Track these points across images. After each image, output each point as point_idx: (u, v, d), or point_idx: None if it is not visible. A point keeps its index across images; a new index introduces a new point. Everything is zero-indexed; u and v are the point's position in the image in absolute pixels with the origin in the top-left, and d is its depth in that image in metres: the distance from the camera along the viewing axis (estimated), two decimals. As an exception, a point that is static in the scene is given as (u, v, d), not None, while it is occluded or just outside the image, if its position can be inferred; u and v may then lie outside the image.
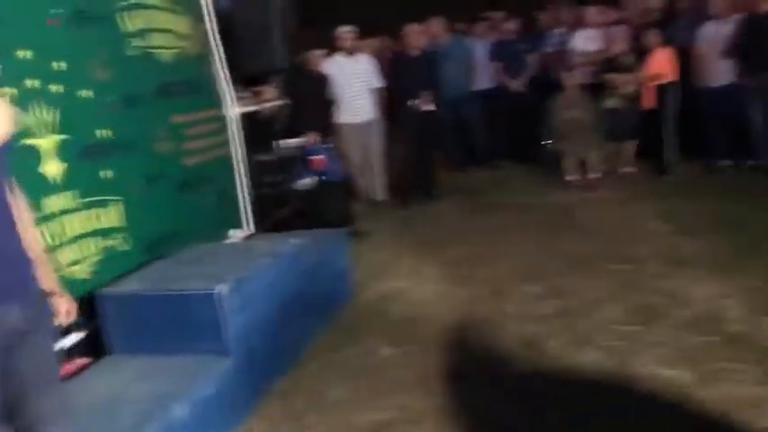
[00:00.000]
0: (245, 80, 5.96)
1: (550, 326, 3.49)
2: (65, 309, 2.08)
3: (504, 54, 7.72)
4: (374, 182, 6.72)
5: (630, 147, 6.68)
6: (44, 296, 1.98)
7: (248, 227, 5.33)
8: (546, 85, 7.06)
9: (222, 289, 2.93)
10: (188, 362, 2.93)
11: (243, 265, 3.26)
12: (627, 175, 6.62)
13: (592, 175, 6.47)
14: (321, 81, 6.35)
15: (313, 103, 6.33)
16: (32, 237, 2.03)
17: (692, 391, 2.75)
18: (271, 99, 5.90)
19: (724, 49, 6.07)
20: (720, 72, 6.18)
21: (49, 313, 1.99)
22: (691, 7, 6.74)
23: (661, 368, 2.94)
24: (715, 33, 6.18)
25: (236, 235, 5.04)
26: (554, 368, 3.08)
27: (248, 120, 6.12)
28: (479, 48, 7.85)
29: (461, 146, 7.87)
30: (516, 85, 7.64)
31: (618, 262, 4.28)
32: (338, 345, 3.63)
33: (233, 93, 5.18)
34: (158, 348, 3.02)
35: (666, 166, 6.44)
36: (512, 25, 7.82)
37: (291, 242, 3.67)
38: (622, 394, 2.81)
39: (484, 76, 7.83)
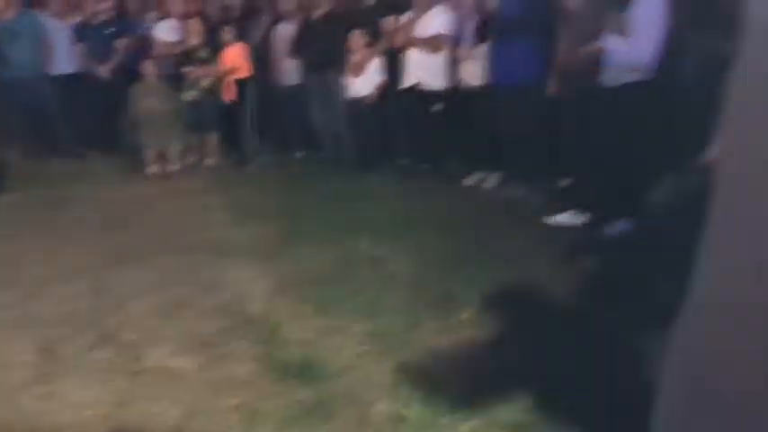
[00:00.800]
0: None
1: (74, 326, 3.34)
2: None
3: (89, 37, 7.26)
4: None
5: (212, 139, 6.82)
6: None
7: None
8: (133, 73, 6.82)
9: None
10: None
11: None
12: (209, 167, 6.75)
13: (171, 167, 6.45)
14: None
15: None
16: None
17: (198, 376, 2.86)
18: None
19: (288, 48, 6.55)
20: (290, 69, 6.65)
21: None
22: (267, 7, 7.11)
23: (170, 359, 3.00)
24: (283, 33, 6.63)
25: None
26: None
27: None
28: (56, 27, 7.25)
29: (37, 133, 7.18)
30: (103, 71, 7.24)
31: (169, 254, 4.31)
32: None
33: None
34: None
35: (245, 159, 6.73)
36: (96, 6, 7.37)
37: None
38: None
39: (64, 59, 7.25)
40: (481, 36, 5.48)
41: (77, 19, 7.42)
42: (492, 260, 3.93)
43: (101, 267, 4.13)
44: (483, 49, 5.45)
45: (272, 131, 6.96)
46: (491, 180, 5.71)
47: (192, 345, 3.13)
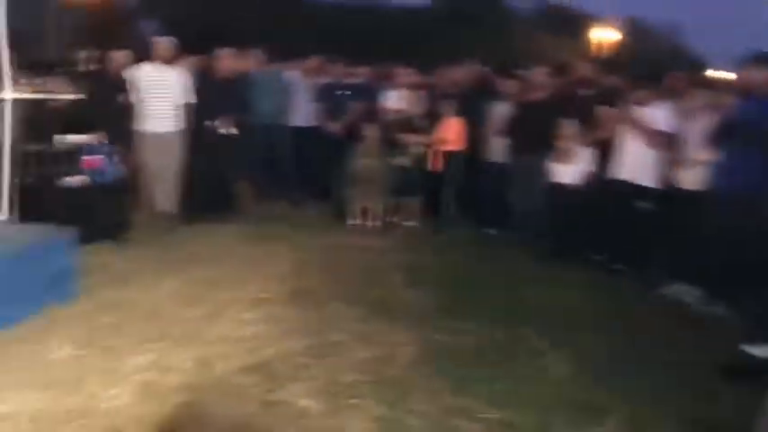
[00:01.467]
0: (32, 68, 5.88)
1: (235, 348, 3.66)
2: None
3: (327, 97, 8.03)
4: (165, 193, 6.70)
5: (413, 204, 7.10)
6: None
7: (5, 211, 5.17)
8: (357, 133, 7.39)
9: None
10: None
11: None
12: (406, 230, 7.01)
13: (371, 223, 6.82)
14: (121, 84, 6.35)
15: (108, 105, 6.31)
16: None
17: (319, 421, 2.97)
18: (60, 91, 5.81)
19: (500, 128, 6.67)
20: (499, 148, 6.76)
21: None
22: (490, 86, 7.35)
23: (301, 398, 3.16)
24: (499, 112, 6.77)
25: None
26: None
27: (30, 107, 6.00)
28: (300, 85, 8.14)
29: (270, 175, 8.03)
30: (334, 127, 7.94)
31: (339, 300, 4.56)
32: (24, 339, 3.60)
33: (9, 76, 5.07)
34: None
35: (440, 227, 6.89)
36: (340, 69, 8.16)
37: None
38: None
39: (302, 113, 8.09)
40: (714, 140, 5.11)
41: (322, 80, 8.25)
42: (659, 378, 3.59)
43: (277, 301, 4.48)
44: (708, 153, 5.10)
45: (470, 205, 7.07)
46: (691, 294, 5.22)
47: (326, 389, 3.27)
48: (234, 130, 6.61)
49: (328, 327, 4.10)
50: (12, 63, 5.30)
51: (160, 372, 3.34)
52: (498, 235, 6.83)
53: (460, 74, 7.67)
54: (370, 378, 3.44)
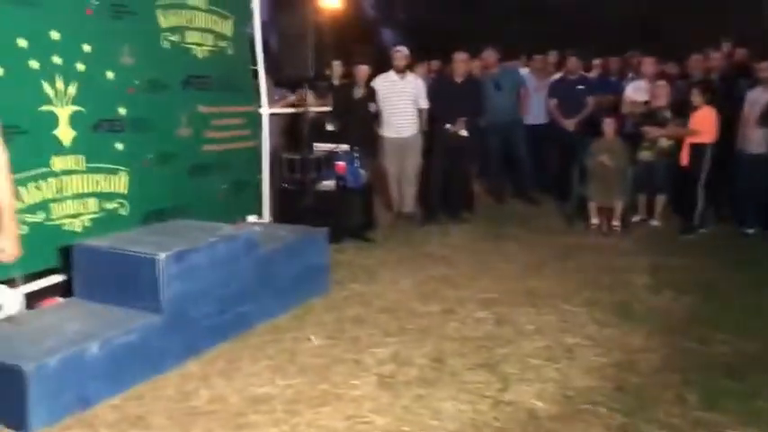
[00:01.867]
0: (288, 84, 6.53)
1: (469, 346, 3.74)
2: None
3: (562, 92, 7.83)
4: (405, 195, 7.05)
5: (660, 201, 6.64)
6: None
7: (265, 216, 5.84)
8: (594, 128, 7.12)
9: (163, 256, 3.40)
10: (125, 313, 3.42)
11: (196, 240, 3.71)
12: (653, 229, 6.57)
13: (613, 223, 6.49)
14: (365, 94, 6.82)
15: (356, 114, 6.81)
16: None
17: (548, 424, 2.92)
18: (312, 104, 6.37)
19: (759, 115, 5.95)
20: (758, 139, 6.05)
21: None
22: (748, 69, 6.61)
23: (533, 399, 3.12)
24: (758, 99, 6.06)
25: (251, 220, 5.58)
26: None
27: (288, 120, 6.68)
28: (532, 81, 8.03)
29: (504, 175, 8.04)
30: (569, 123, 7.72)
31: (572, 304, 4.42)
32: (285, 328, 4.03)
33: (266, 93, 5.71)
34: (108, 298, 3.54)
35: (690, 226, 6.34)
36: (575, 64, 7.90)
37: (254, 229, 4.10)
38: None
39: (537, 111, 7.98)
40: None
41: (556, 76, 8.06)
42: None
43: (510, 301, 4.48)
44: None
45: (724, 202, 6.41)
46: None
47: (558, 393, 3.20)
48: (464, 133, 6.71)
49: (563, 329, 4.00)
50: (269, 80, 5.96)
51: (398, 364, 3.52)
52: (757, 235, 6.12)
53: (715, 60, 7.00)
54: (607, 384, 3.30)
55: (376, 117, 6.98)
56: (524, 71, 8.32)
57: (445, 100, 6.80)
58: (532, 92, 8.04)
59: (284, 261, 4.37)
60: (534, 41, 9.16)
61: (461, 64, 6.92)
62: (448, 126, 6.68)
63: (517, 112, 7.79)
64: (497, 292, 4.66)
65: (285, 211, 6.02)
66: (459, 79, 6.91)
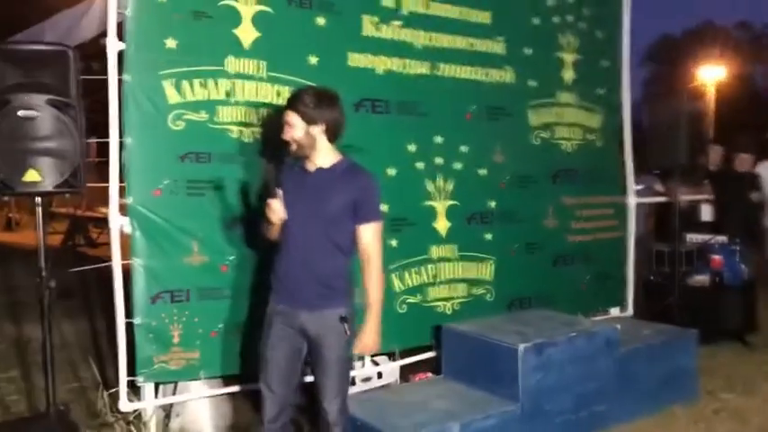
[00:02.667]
0: (658, 172, 6.28)
1: None
2: (363, 342, 2.84)
3: None
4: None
5: None
6: (344, 319, 2.79)
7: (628, 310, 5.62)
8: None
9: (522, 347, 3.51)
10: (486, 398, 3.60)
11: (556, 333, 3.75)
12: None
13: None
14: (748, 182, 6.20)
15: (736, 203, 6.23)
16: (372, 280, 2.84)
17: None
18: (684, 192, 6.01)
19: None
20: None
21: (340, 330, 2.78)
22: None
23: None
24: None
25: (613, 314, 5.44)
26: None
27: (657, 209, 6.40)
28: None
29: None
30: None
31: None
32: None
33: (634, 182, 5.57)
34: (471, 380, 3.78)
35: None
36: None
37: (615, 325, 3.97)
38: None
39: None
40: None
41: None
42: None
43: None
44: None
45: None
46: None
47: None
48: None
49: None
50: (638, 168, 5.80)
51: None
52: None
53: None
54: None
55: (760, 206, 6.27)
56: None
57: None
58: None
59: (646, 361, 4.14)
60: None
61: None
62: None
63: None
64: None
65: (650, 305, 5.72)
66: None
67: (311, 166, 2.86)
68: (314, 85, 3.38)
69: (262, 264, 3.48)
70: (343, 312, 2.80)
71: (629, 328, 4.48)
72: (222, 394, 3.79)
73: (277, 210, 2.79)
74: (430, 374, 4.23)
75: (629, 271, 5.62)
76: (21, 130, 2.80)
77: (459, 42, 4.44)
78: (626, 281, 5.57)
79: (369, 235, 2.83)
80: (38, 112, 2.81)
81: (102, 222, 11.43)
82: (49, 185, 2.90)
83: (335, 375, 2.81)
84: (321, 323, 2.79)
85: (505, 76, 4.67)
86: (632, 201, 5.55)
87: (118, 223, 3.34)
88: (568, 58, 5.05)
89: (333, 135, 2.84)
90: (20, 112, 2.78)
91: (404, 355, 4.26)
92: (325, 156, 2.85)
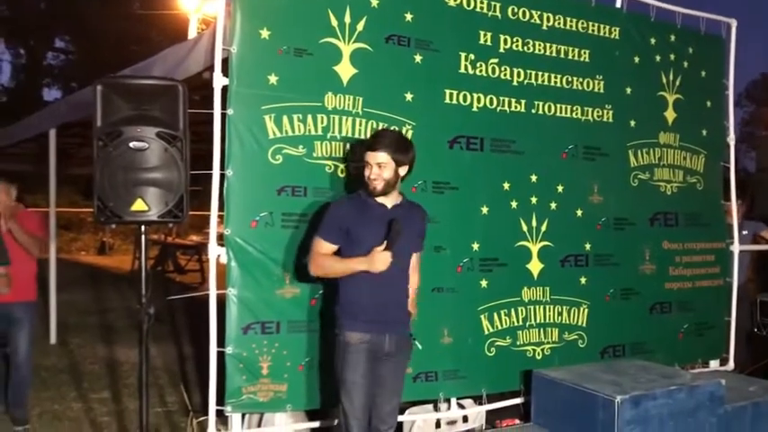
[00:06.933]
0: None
1: None
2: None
3: None
4: None
5: None
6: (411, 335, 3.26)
7: (729, 363, 5.28)
8: None
9: (620, 399, 3.33)
10: (578, 449, 3.42)
11: (654, 385, 3.54)
12: None
13: None
14: None
15: None
16: (412, 298, 3.25)
17: None
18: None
19: None
20: None
21: (408, 347, 3.23)
22: None
23: None
24: None
25: (713, 367, 5.13)
26: None
27: (759, 257, 6.05)
28: None
29: None
30: None
31: None
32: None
33: (738, 229, 5.27)
34: (561, 430, 3.60)
35: None
36: None
37: (718, 380, 3.72)
38: None
39: None
40: None
41: None
42: None
43: None
44: None
45: None
46: None
47: None
48: None
49: None
50: (743, 214, 5.50)
51: None
52: None
53: None
54: None
55: None
56: None
57: None
58: None
59: (751, 421, 3.86)
60: None
61: None
62: None
63: None
64: None
65: (755, 359, 5.36)
66: None
67: (388, 203, 3.10)
68: (392, 127, 3.60)
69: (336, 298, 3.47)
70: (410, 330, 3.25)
71: (733, 384, 4.20)
72: (307, 429, 3.76)
73: (387, 262, 2.94)
74: (517, 421, 4.07)
75: (731, 321, 5.29)
76: (131, 161, 2.89)
77: (557, 80, 4.35)
78: (728, 332, 5.25)
79: (416, 259, 3.28)
80: (148, 144, 2.90)
81: (191, 250, 11.90)
82: (154, 215, 2.96)
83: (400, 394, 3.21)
84: (403, 343, 3.15)
85: (604, 115, 4.53)
86: (737, 248, 5.25)
87: (215, 253, 3.39)
88: (670, 97, 4.87)
89: (408, 175, 3.17)
90: (131, 144, 2.87)
91: (491, 399, 4.12)
92: (397, 193, 3.14)
